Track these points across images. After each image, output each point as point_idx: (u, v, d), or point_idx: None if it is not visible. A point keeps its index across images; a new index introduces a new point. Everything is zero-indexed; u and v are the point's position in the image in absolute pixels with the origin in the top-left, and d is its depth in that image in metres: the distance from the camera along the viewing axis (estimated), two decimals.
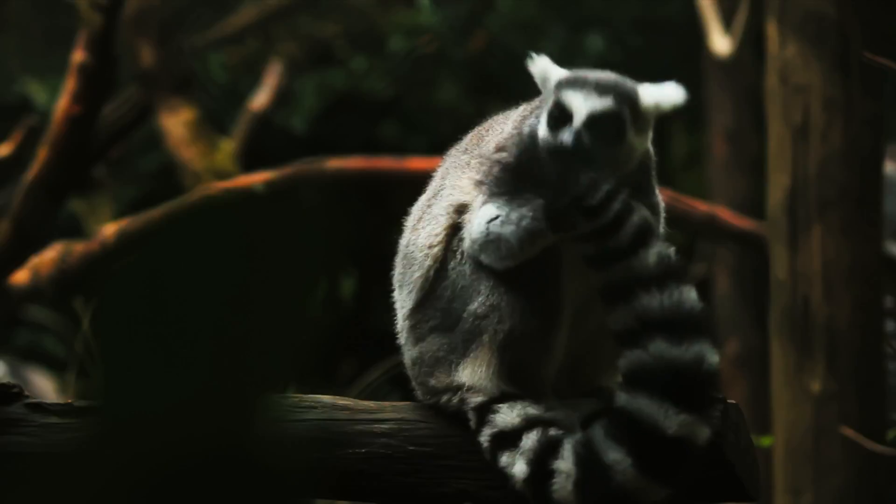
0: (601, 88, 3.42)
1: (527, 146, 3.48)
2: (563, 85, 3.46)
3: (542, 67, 3.53)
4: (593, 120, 3.40)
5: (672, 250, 3.31)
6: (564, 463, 3.29)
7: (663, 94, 3.48)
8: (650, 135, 3.52)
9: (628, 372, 3.27)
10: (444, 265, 3.51)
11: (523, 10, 11.22)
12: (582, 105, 3.40)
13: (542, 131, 3.45)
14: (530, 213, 3.36)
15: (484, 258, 3.42)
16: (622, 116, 3.42)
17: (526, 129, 3.50)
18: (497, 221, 3.39)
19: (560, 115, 3.42)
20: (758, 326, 8.78)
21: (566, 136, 3.38)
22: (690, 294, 3.28)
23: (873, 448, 5.58)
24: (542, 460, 3.32)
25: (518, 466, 3.35)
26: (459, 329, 3.46)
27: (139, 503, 1.68)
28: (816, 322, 5.83)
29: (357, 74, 11.27)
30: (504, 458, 3.37)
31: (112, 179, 9.84)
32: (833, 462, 5.79)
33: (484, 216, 3.42)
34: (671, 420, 3.22)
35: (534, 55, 3.55)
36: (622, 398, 3.26)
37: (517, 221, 3.37)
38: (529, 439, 3.35)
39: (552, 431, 3.35)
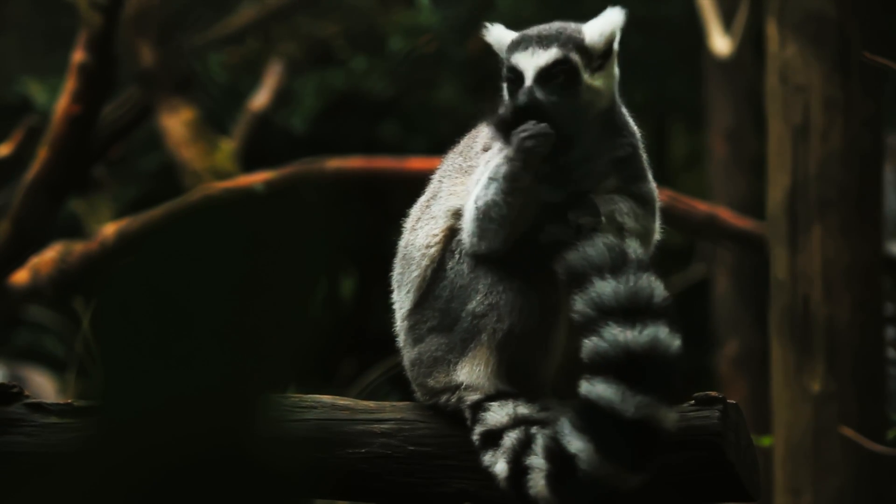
0: (544, 41, 3.43)
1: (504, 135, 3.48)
2: (510, 48, 3.48)
3: (497, 36, 3.54)
4: (543, 73, 3.40)
5: (631, 244, 3.28)
6: (537, 458, 3.29)
7: (604, 23, 3.49)
8: (615, 71, 3.50)
9: (588, 360, 3.23)
10: (443, 265, 3.50)
11: (523, 10, 11.21)
12: (528, 62, 3.41)
13: (504, 104, 3.46)
14: (503, 161, 3.36)
15: (484, 246, 3.42)
16: (571, 61, 3.42)
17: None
18: (483, 191, 3.39)
19: (515, 79, 3.44)
20: (758, 326, 8.78)
21: (520, 96, 3.38)
22: (651, 282, 3.22)
23: (873, 448, 5.58)
24: (518, 457, 3.32)
25: (499, 466, 3.35)
26: (458, 329, 3.45)
27: (139, 503, 1.68)
28: (816, 322, 5.82)
29: (357, 74, 11.26)
30: (487, 458, 3.37)
31: (112, 179, 9.83)
32: (833, 462, 5.79)
33: (471, 200, 3.43)
34: (628, 402, 3.17)
35: (488, 25, 3.56)
36: (583, 387, 3.22)
37: (495, 174, 3.37)
38: (510, 438, 3.35)
39: (533, 430, 3.34)
